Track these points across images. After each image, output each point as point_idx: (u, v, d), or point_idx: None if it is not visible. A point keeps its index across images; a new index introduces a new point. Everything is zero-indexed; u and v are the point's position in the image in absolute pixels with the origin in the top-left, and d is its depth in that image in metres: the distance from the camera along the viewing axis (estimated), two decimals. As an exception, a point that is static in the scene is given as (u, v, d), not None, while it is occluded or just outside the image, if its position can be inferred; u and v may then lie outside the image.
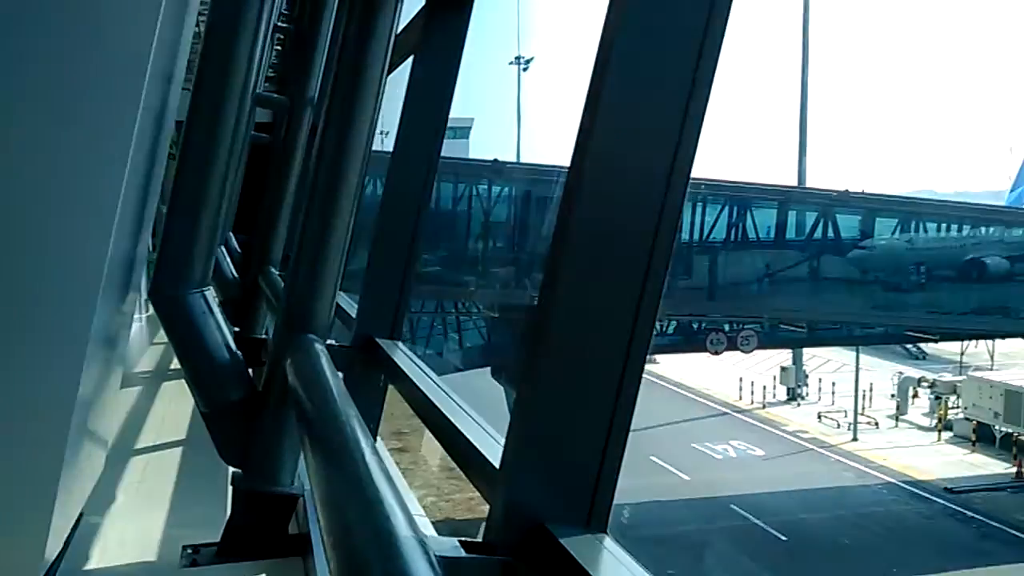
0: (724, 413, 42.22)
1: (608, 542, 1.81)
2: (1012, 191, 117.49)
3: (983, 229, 28.46)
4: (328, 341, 4.45)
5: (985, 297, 27.23)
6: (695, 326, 29.66)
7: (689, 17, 1.74)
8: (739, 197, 26.03)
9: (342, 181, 3.87)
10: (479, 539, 1.90)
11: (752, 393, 43.54)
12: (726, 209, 25.82)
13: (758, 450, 35.92)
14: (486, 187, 27.71)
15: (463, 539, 1.88)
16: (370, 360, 4.28)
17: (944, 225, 27.94)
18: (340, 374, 3.47)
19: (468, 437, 2.45)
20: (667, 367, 49.40)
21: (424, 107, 4.37)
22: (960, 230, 27.69)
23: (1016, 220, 32.55)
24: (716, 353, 29.93)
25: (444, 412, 2.81)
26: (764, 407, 42.49)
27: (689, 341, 30.91)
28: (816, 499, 30.66)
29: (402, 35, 4.69)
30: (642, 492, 30.29)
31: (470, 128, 49.74)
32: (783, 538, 26.92)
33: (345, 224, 3.86)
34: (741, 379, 44.51)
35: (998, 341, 40.83)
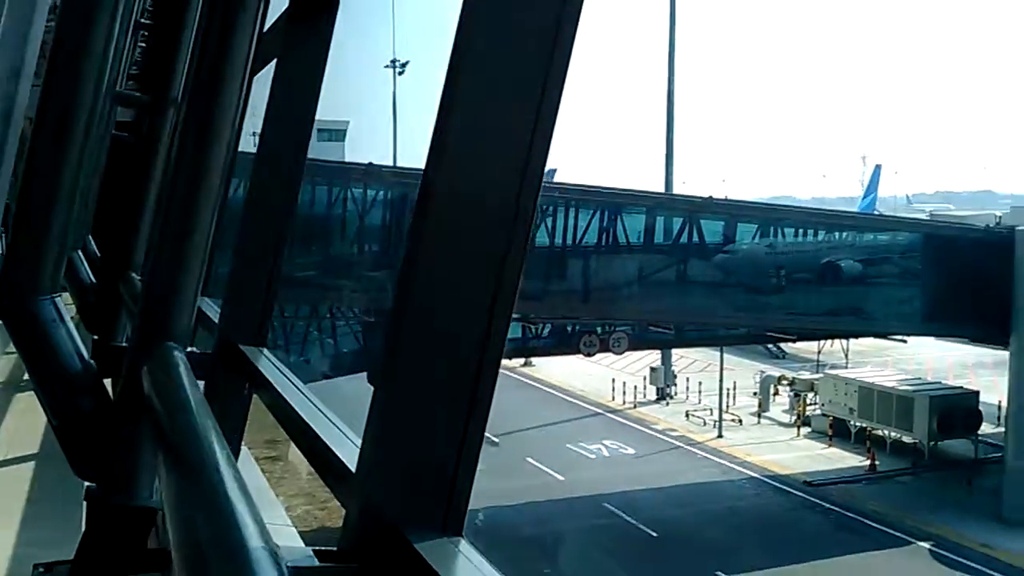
0: (598, 413, 43.00)
1: (463, 546, 1.82)
2: (864, 198, 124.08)
3: (837, 234, 29.90)
4: (189, 349, 4.31)
5: (840, 299, 28.64)
6: (569, 329, 30.13)
7: (539, 18, 1.76)
8: (610, 203, 26.59)
9: (202, 182, 3.75)
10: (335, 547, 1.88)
11: (624, 394, 44.50)
12: (597, 215, 26.30)
13: (630, 449, 36.76)
14: (361, 191, 27.40)
15: (318, 548, 1.86)
16: (233, 368, 4.17)
17: (802, 230, 29.22)
18: (200, 383, 3.37)
19: (326, 442, 2.42)
20: (544, 370, 50.02)
21: (288, 109, 4.30)
22: (816, 235, 29.03)
23: (867, 225, 34.43)
24: (589, 355, 30.49)
25: (304, 418, 2.77)
26: (635, 407, 43.51)
27: (563, 343, 31.39)
28: (685, 495, 31.60)
29: (268, 35, 4.60)
30: (518, 494, 30.55)
31: (345, 131, 49.05)
32: (653, 534, 27.62)
33: (206, 226, 3.75)
34: (614, 380, 45.45)
35: (852, 340, 43.04)
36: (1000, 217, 33.21)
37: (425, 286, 1.86)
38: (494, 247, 1.83)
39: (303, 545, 2.12)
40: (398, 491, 1.86)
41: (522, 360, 50.76)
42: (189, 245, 3.73)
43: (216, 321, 4.74)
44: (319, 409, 2.93)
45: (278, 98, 4.33)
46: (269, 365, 3.83)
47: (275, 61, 4.49)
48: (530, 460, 34.40)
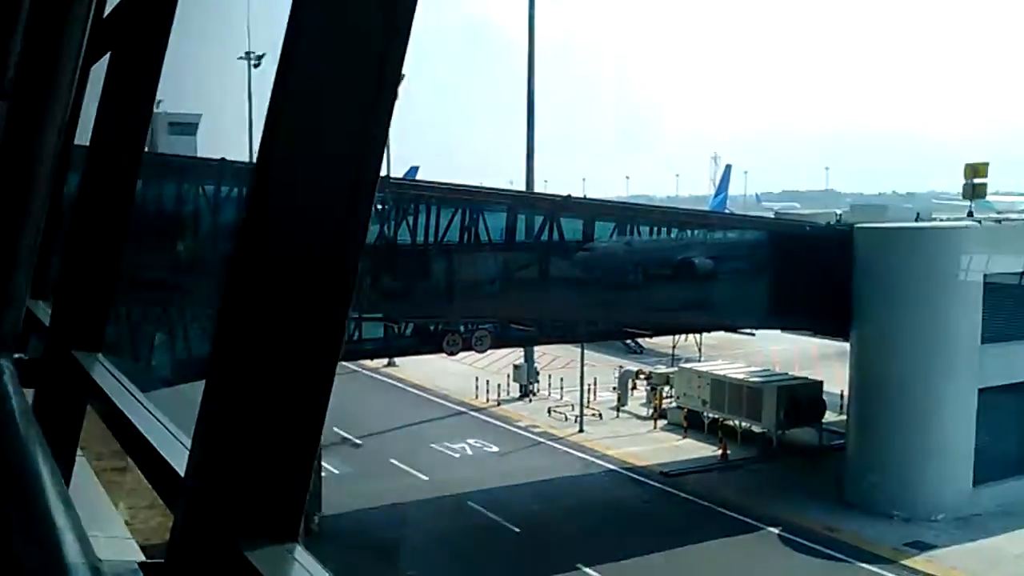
0: (462, 412, 43.08)
1: (299, 552, 1.75)
2: (715, 196, 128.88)
3: (691, 232, 30.94)
4: (18, 355, 4.05)
5: (693, 294, 29.63)
6: (432, 327, 30.03)
7: (372, 17, 1.72)
8: (472, 201, 26.66)
9: (31, 179, 3.54)
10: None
11: (488, 392, 44.76)
12: (459, 213, 26.31)
13: (493, 447, 37.01)
14: (213, 187, 26.50)
15: (146, 561, 1.77)
16: (66, 375, 3.92)
17: (657, 228, 30.08)
18: (29, 391, 3.17)
19: (156, 447, 2.29)
20: (407, 370, 49.73)
21: (124, 101, 4.07)
22: (671, 233, 29.94)
23: (718, 223, 35.80)
24: (452, 353, 30.46)
25: (136, 425, 2.62)
26: (499, 405, 43.83)
27: (426, 342, 31.23)
28: (547, 490, 32.06)
29: (106, 24, 4.38)
30: (380, 495, 30.28)
31: (197, 125, 47.32)
32: (516, 530, 27.89)
33: (35, 225, 3.53)
34: (477, 379, 45.65)
35: (705, 334, 44.65)
36: (840, 215, 35.16)
37: (254, 286, 1.78)
38: (327, 247, 1.77)
39: (144, 559, 2.02)
40: (228, 497, 1.77)
41: (385, 360, 50.40)
42: (16, 243, 3.49)
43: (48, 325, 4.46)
44: (155, 417, 2.78)
45: (112, 90, 4.11)
46: (104, 372, 3.63)
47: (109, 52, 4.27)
48: (393, 461, 34.15)
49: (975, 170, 34.55)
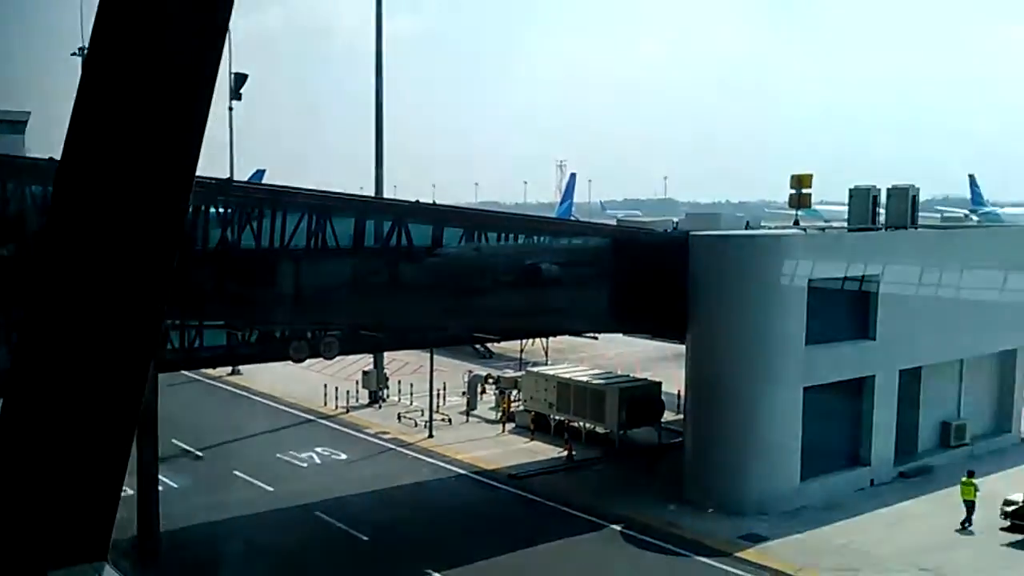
0: (310, 420, 42.34)
1: (108, 572, 1.72)
2: (561, 203, 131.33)
3: (537, 238, 31.49)
4: None
5: (540, 299, 30.15)
6: (278, 334, 29.32)
7: (187, 15, 1.66)
8: (319, 206, 26.22)
9: None
10: None
11: (336, 399, 44.14)
12: (306, 218, 25.82)
13: (342, 454, 36.53)
14: (41, 188, 25.00)
15: None
16: None
17: (505, 235, 30.45)
18: None
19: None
20: (253, 378, 48.40)
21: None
22: (518, 239, 30.39)
23: (564, 230, 36.56)
24: (299, 360, 29.82)
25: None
26: (348, 412, 43.31)
27: (272, 349, 30.42)
28: (396, 496, 31.91)
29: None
30: (221, 509, 29.36)
31: (26, 123, 44.52)
32: (364, 538, 27.63)
33: None
34: (326, 385, 44.93)
35: (552, 338, 45.53)
36: (676, 223, 36.57)
37: (57, 292, 1.67)
38: (136, 252, 1.67)
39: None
40: (31, 522, 1.68)
41: (229, 369, 48.87)
42: None
43: None
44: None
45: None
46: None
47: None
48: (237, 473, 33.19)
49: (800, 180, 36.68)
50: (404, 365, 49.94)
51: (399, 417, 41.74)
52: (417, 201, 28.34)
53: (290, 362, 30.43)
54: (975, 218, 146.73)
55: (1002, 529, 27.69)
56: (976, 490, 28.67)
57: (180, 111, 1.74)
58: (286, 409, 44.27)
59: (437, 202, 34.29)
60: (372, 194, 42.93)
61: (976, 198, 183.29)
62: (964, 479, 29.17)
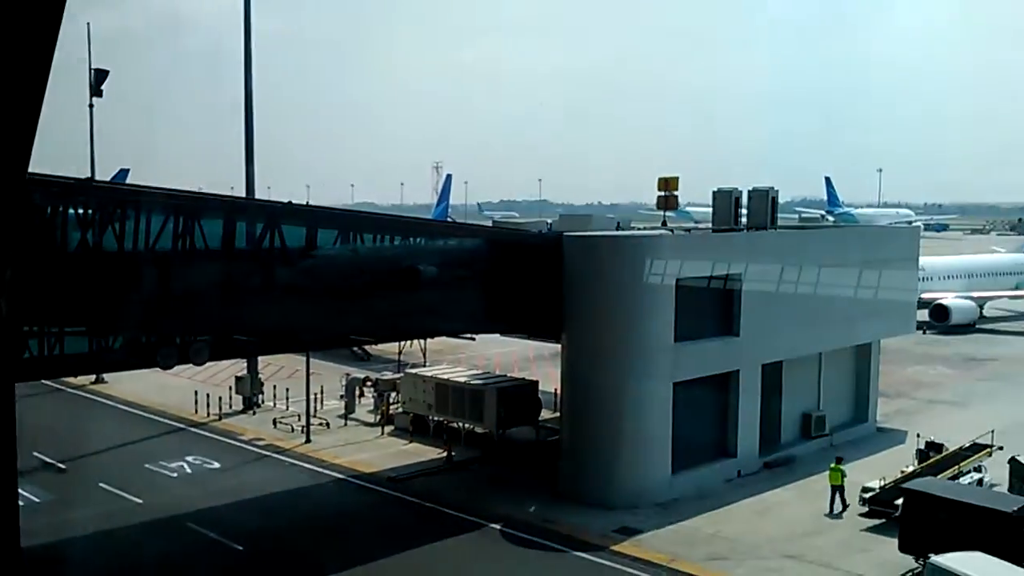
0: (180, 429, 41.12)
1: None
2: (438, 205, 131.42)
3: (414, 239, 31.40)
4: None
5: (417, 301, 30.05)
6: (144, 340, 28.30)
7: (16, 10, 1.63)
8: (187, 207, 25.44)
9: None
10: None
11: (208, 406, 42.99)
12: (173, 219, 25.01)
13: (215, 463, 35.63)
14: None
15: None
16: None
17: (382, 236, 30.23)
18: None
19: None
20: (118, 386, 46.61)
21: None
22: (394, 240, 30.22)
23: (441, 231, 36.58)
24: (168, 367, 28.83)
25: None
26: (221, 419, 42.24)
27: (138, 356, 29.24)
28: (273, 504, 31.33)
29: None
30: (87, 524, 28.24)
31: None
32: (240, 548, 27.05)
33: None
34: (197, 392, 43.71)
35: (430, 339, 45.49)
36: (550, 224, 37.14)
37: None
38: None
39: None
40: None
41: (92, 377, 46.93)
42: None
43: None
44: None
45: None
46: None
47: None
48: (103, 485, 31.98)
49: (667, 183, 37.86)
50: (280, 369, 49.05)
51: (275, 423, 40.98)
52: (290, 202, 27.79)
53: (158, 369, 29.43)
54: (831, 219, 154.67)
55: (861, 515, 29.29)
56: (844, 475, 30.37)
57: (6, 106, 1.72)
58: (154, 418, 42.85)
59: (311, 203, 33.72)
60: (243, 194, 42.03)
61: (832, 200, 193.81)
62: (833, 465, 30.85)
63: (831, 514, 29.66)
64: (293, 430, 39.89)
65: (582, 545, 26.83)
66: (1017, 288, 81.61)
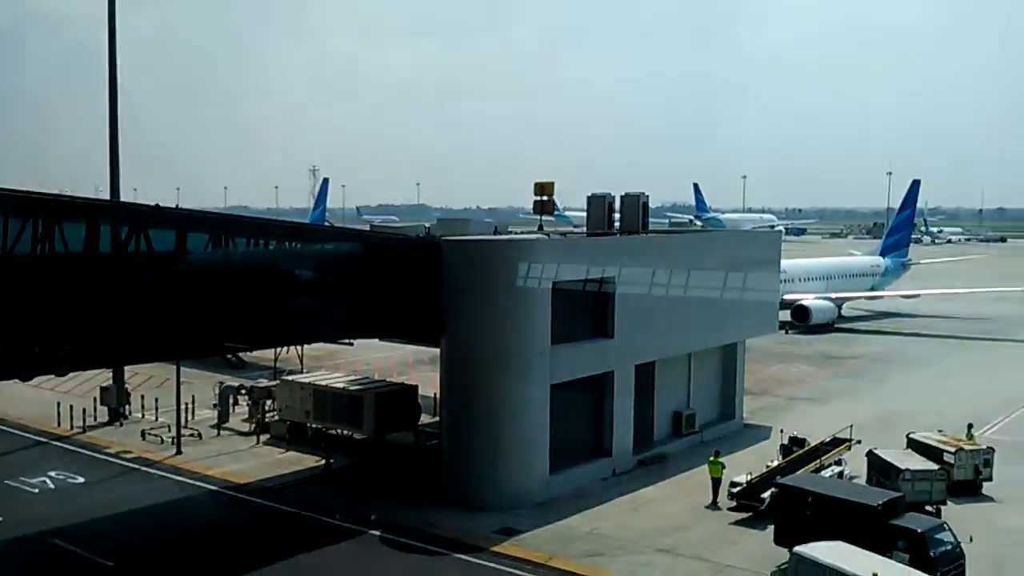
0: (41, 442, 39.27)
1: None
2: (314, 209, 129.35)
3: (288, 244, 30.83)
4: None
5: (293, 306, 29.53)
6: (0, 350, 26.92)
7: None
8: (46, 210, 24.33)
9: None
10: None
11: (72, 418, 41.16)
12: (31, 223, 23.88)
13: (79, 477, 34.24)
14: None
15: None
16: None
17: (255, 240, 29.58)
18: None
19: None
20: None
21: None
22: (268, 244, 29.61)
23: (317, 236, 36.03)
24: (26, 378, 27.51)
25: None
26: (85, 431, 40.55)
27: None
28: (142, 518, 30.27)
29: None
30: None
31: None
32: (109, 564, 26.06)
33: None
34: (59, 404, 41.81)
35: (307, 345, 44.74)
36: (428, 228, 37.16)
37: None
38: None
39: None
40: None
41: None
42: None
43: None
44: None
45: None
46: None
47: None
48: (-43, 503, 30.24)
49: (543, 188, 38.43)
50: (149, 379, 47.39)
51: (143, 434, 39.57)
52: (158, 205, 26.87)
53: (17, 380, 28.00)
54: (699, 223, 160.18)
55: (730, 509, 30.49)
56: (723, 468, 31.59)
57: None
58: (13, 431, 40.79)
59: (181, 206, 32.63)
60: (108, 197, 40.45)
61: (700, 205, 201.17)
62: (712, 458, 32.08)
63: (714, 505, 30.83)
64: (163, 442, 38.61)
65: (463, 547, 26.98)
66: (873, 289, 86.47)
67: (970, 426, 36.90)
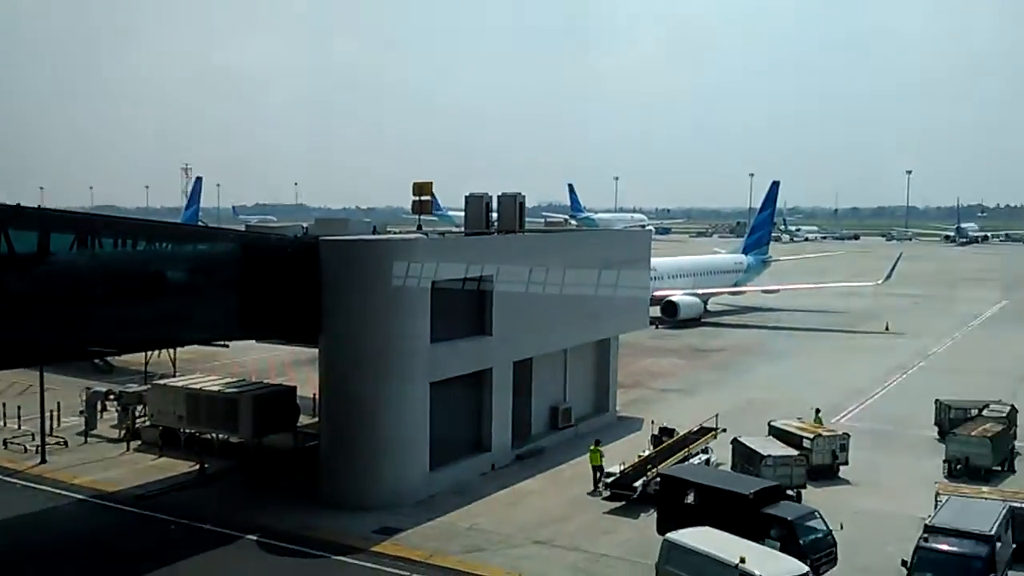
0: None
1: None
2: (187, 209, 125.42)
3: (158, 244, 30.04)
4: None
5: (164, 308, 28.82)
6: None
7: None
8: None
9: None
10: None
11: (-77, 429, 38.94)
12: None
13: (-66, 490, 32.41)
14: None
15: None
16: None
17: (124, 241, 28.73)
18: None
19: None
20: None
21: None
22: (137, 245, 28.79)
23: (190, 236, 35.19)
24: None
25: None
26: (-61, 442, 38.40)
27: None
28: (5, 530, 29.03)
29: None
30: None
31: None
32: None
33: None
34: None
35: (180, 348, 43.60)
36: (306, 228, 36.80)
37: None
38: None
39: None
40: None
41: None
42: None
43: None
44: None
45: None
46: None
47: None
48: None
49: (421, 188, 38.67)
50: (10, 385, 45.28)
51: (5, 443, 37.85)
52: (19, 204, 25.80)
53: None
54: (574, 222, 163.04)
55: (604, 499, 31.48)
56: (602, 456, 32.59)
57: None
58: None
59: (45, 206, 31.26)
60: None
61: (575, 205, 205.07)
62: (592, 447, 33.09)
63: (595, 492, 31.77)
64: (26, 450, 37.02)
65: (343, 549, 26.95)
66: (736, 285, 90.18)
67: (817, 411, 39.28)
